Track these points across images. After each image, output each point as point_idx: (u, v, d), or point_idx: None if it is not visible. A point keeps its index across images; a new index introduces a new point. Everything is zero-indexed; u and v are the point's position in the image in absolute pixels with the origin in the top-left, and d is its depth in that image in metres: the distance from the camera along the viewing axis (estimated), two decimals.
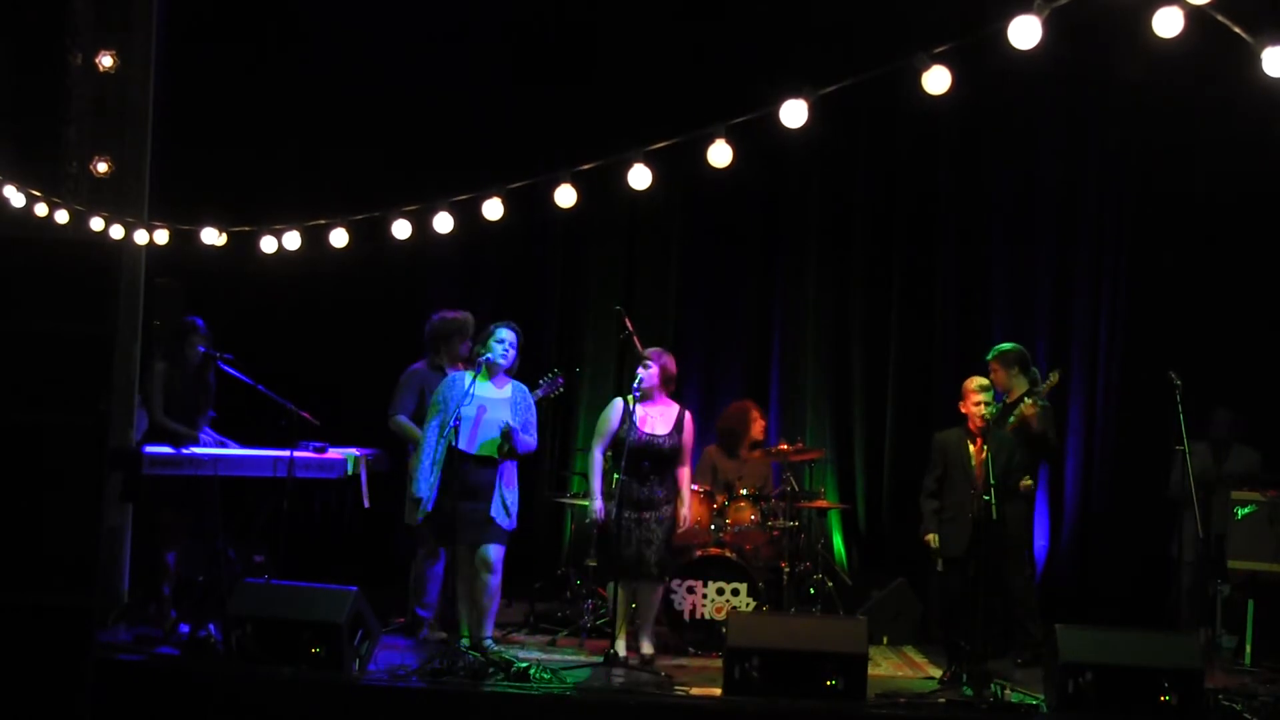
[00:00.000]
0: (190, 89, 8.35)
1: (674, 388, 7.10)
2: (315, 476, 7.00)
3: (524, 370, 6.96)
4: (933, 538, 6.93)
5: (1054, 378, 7.22)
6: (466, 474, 6.51)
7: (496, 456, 6.55)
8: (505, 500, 6.56)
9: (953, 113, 8.57)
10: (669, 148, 5.62)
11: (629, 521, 6.81)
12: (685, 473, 7.00)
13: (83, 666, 5.53)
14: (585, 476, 8.49)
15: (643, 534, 6.81)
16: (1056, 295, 9.12)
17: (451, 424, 6.47)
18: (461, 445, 6.52)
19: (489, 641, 6.59)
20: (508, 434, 6.54)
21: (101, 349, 5.72)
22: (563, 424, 9.37)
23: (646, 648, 6.90)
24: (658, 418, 6.93)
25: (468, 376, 6.65)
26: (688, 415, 7.02)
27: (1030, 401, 7.09)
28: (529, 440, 6.66)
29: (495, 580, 6.57)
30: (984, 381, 6.91)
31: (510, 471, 6.63)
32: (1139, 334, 8.89)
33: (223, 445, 7.21)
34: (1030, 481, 7.10)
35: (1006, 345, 7.54)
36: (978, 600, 6.49)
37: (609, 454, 7.08)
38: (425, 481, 6.49)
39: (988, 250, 9.22)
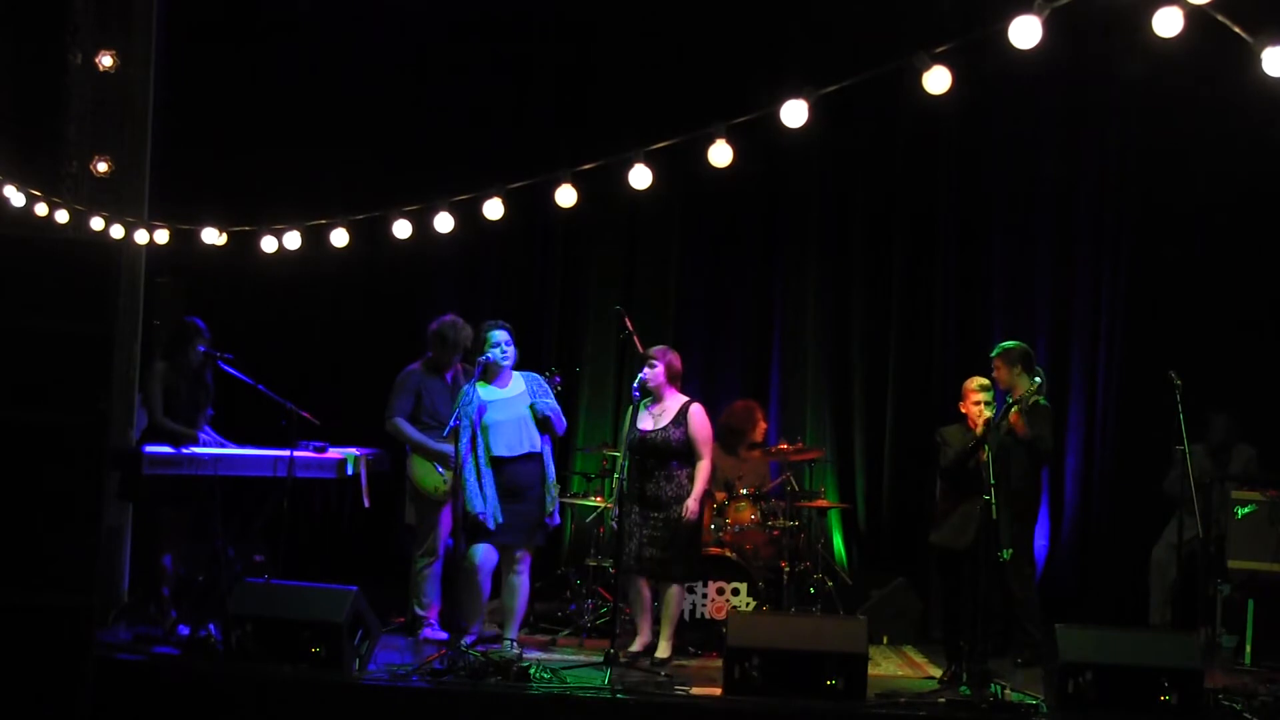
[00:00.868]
0: (190, 89, 8.35)
1: (680, 384, 7.08)
2: (315, 476, 7.00)
3: (523, 369, 6.98)
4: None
5: (1032, 385, 7.11)
6: (509, 476, 6.60)
7: (537, 446, 6.69)
8: (551, 493, 6.73)
9: (953, 113, 8.56)
10: (669, 148, 5.62)
11: (633, 519, 6.80)
12: (702, 466, 6.88)
13: (83, 666, 5.54)
14: (588, 477, 8.56)
15: (649, 532, 6.80)
16: (1056, 295, 9.11)
17: (470, 431, 6.52)
18: (497, 452, 6.61)
19: (510, 643, 6.62)
20: (534, 409, 6.69)
21: (101, 348, 5.72)
22: None
23: (663, 650, 6.88)
24: (660, 413, 6.93)
25: (475, 384, 6.69)
26: (694, 407, 6.94)
27: (1015, 409, 7.07)
28: (554, 405, 6.76)
29: (523, 581, 6.66)
30: (984, 381, 6.89)
31: (550, 461, 6.76)
32: (1139, 334, 8.88)
33: (221, 447, 7.20)
34: (1012, 550, 7.00)
35: (1010, 343, 7.51)
36: (978, 600, 6.49)
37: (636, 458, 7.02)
38: (476, 497, 6.52)
39: (988, 250, 9.20)
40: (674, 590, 6.93)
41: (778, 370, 9.35)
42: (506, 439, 6.65)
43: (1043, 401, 7.30)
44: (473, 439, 6.55)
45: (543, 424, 6.75)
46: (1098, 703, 5.73)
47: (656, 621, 6.98)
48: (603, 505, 8.06)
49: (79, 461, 5.60)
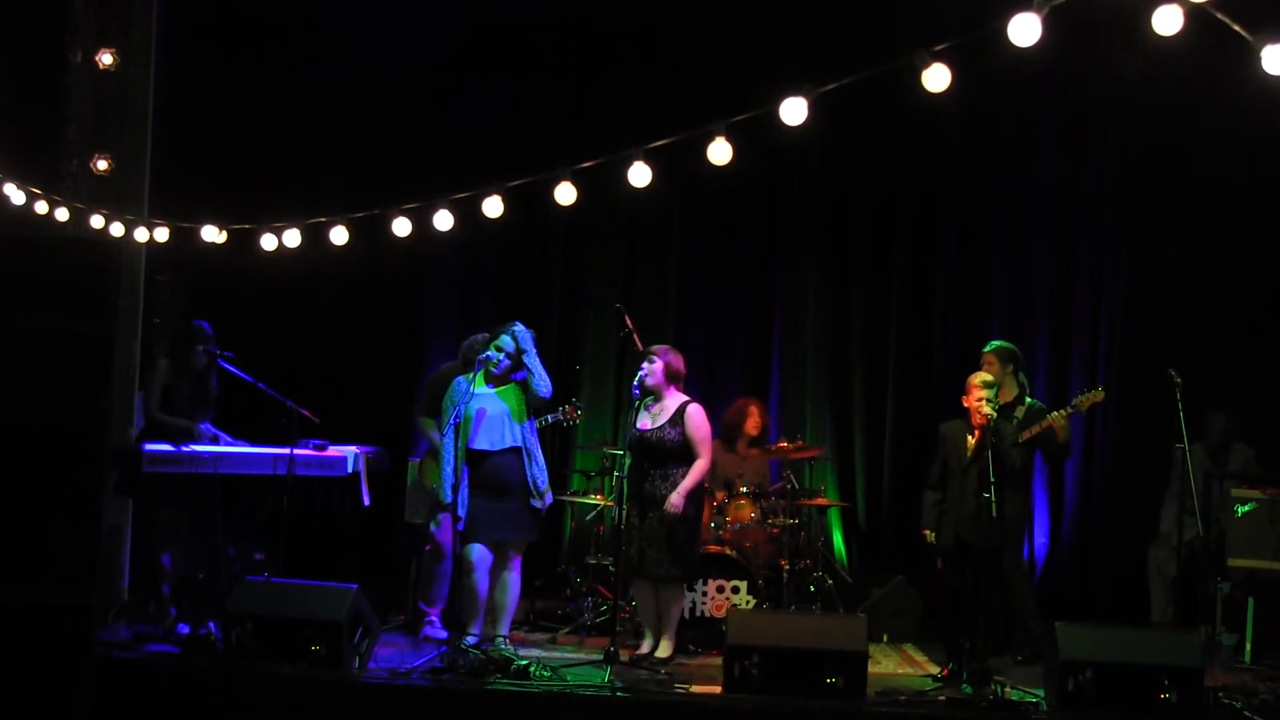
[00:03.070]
0: (190, 88, 8.35)
1: (681, 384, 7.05)
2: (315, 474, 7.01)
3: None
4: (929, 534, 6.91)
5: (1097, 394, 7.11)
6: (490, 472, 6.53)
7: (519, 440, 6.58)
8: (537, 483, 6.59)
9: (953, 112, 8.56)
10: (669, 146, 5.62)
11: (631, 520, 6.79)
12: (698, 464, 6.81)
13: (83, 664, 5.55)
14: (588, 475, 8.56)
15: (645, 533, 6.79)
16: (1056, 295, 9.11)
17: (454, 422, 6.49)
18: (479, 445, 6.55)
19: (501, 640, 6.58)
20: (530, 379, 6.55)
21: (101, 348, 5.73)
22: None
23: (663, 650, 6.87)
24: (657, 413, 6.92)
25: (467, 378, 6.67)
26: (691, 407, 6.90)
27: (1063, 413, 7.07)
28: (537, 365, 6.61)
29: (513, 578, 6.62)
30: (988, 377, 6.88)
31: (535, 448, 6.65)
32: (1139, 334, 8.88)
33: (217, 439, 7.20)
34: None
35: (1002, 342, 7.53)
36: (978, 598, 6.49)
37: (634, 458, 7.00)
38: (448, 487, 6.48)
39: (988, 250, 9.20)
40: (675, 591, 6.92)
41: (778, 370, 9.35)
42: (489, 433, 6.58)
43: (1037, 404, 7.32)
44: (456, 431, 6.53)
45: (531, 401, 6.62)
46: (1098, 701, 5.73)
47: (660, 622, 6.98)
48: (602, 503, 8.06)
49: (79, 460, 5.60)
